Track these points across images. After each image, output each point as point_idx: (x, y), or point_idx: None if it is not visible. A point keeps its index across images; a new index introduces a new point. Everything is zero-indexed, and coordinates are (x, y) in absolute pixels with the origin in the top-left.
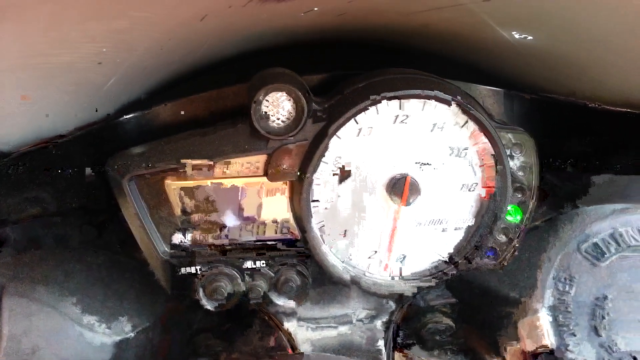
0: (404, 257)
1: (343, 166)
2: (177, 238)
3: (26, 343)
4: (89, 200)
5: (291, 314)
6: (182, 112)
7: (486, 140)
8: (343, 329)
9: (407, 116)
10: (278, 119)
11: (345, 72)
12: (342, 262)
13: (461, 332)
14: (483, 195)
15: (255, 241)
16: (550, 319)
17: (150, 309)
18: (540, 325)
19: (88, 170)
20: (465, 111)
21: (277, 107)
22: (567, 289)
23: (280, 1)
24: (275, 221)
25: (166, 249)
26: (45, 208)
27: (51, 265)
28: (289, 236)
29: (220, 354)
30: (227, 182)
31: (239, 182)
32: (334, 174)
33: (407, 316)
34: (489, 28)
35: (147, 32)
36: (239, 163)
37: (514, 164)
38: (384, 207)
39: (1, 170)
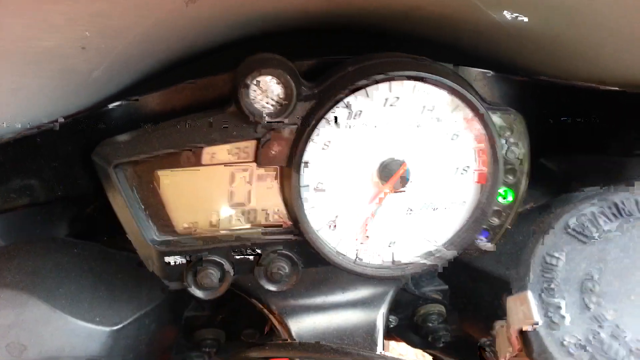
0: (395, 243)
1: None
2: (166, 226)
3: (12, 335)
4: (77, 190)
5: (283, 302)
6: (172, 100)
7: (478, 122)
8: (336, 315)
9: (398, 98)
10: (267, 103)
11: (336, 57)
12: (333, 248)
13: (455, 318)
14: (475, 178)
15: (245, 228)
16: (536, 295)
17: (142, 298)
18: (527, 302)
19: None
20: (456, 93)
21: (266, 91)
22: (553, 265)
23: None
24: (265, 207)
25: (155, 237)
26: (33, 198)
27: (40, 256)
28: (279, 222)
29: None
30: (216, 169)
31: (227, 169)
32: (324, 159)
33: (400, 303)
34: (479, 9)
35: (131, 16)
36: (227, 149)
37: (505, 145)
38: (375, 192)
39: None
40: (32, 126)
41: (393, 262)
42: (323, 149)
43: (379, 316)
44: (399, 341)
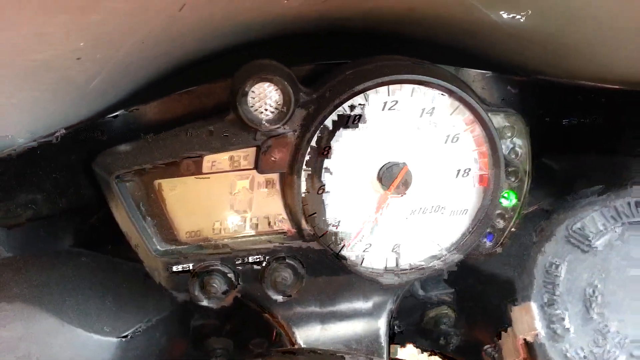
0: (399, 247)
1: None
2: (169, 235)
3: (22, 348)
4: (80, 201)
5: (289, 310)
6: (170, 109)
7: (478, 124)
8: (342, 323)
9: (396, 102)
10: (266, 109)
11: (334, 61)
12: (337, 253)
13: (463, 321)
14: (478, 180)
15: (248, 235)
16: (539, 306)
17: (149, 308)
18: (530, 313)
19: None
20: (455, 96)
21: (265, 98)
22: (556, 275)
23: None
24: (267, 214)
25: (159, 247)
26: (37, 211)
27: (46, 268)
28: (282, 229)
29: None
30: (217, 177)
31: (228, 176)
32: (324, 164)
33: (407, 309)
34: (476, 9)
35: (124, 25)
36: (227, 157)
37: (506, 147)
38: (376, 197)
39: None
40: (31, 139)
41: (397, 266)
42: (323, 154)
43: (385, 322)
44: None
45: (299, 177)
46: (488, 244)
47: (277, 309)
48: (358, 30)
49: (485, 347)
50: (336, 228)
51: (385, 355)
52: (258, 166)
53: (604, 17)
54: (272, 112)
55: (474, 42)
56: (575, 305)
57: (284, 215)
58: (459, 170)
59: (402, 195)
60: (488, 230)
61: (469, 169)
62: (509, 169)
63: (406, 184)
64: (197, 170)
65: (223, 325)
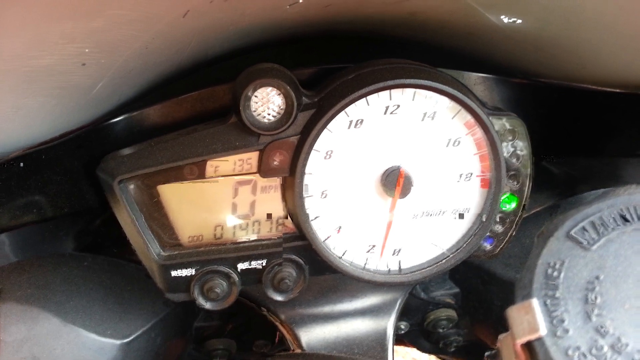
0: (401, 250)
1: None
2: (171, 239)
3: (26, 350)
4: (83, 204)
5: (292, 311)
6: (173, 113)
7: (479, 128)
8: (345, 324)
9: (398, 106)
10: (269, 114)
11: (336, 65)
12: (340, 257)
13: (466, 323)
14: (479, 184)
15: (250, 239)
16: (540, 305)
17: (151, 311)
18: (532, 311)
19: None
20: (456, 99)
21: (267, 102)
22: (555, 274)
23: None
24: (270, 218)
25: (161, 251)
26: (40, 214)
27: (49, 270)
28: (284, 233)
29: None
30: (220, 181)
31: (231, 180)
32: (326, 168)
33: (410, 309)
34: (477, 13)
35: (128, 31)
36: (230, 161)
37: (507, 150)
38: (379, 200)
39: None
40: (35, 143)
41: (400, 269)
42: (325, 158)
43: (389, 324)
44: (410, 347)
45: (301, 180)
46: (489, 247)
47: (279, 309)
48: (360, 34)
49: (487, 353)
50: (338, 232)
51: (390, 357)
52: (260, 170)
53: (603, 21)
54: (274, 116)
55: (474, 46)
56: (575, 303)
57: (287, 219)
58: (460, 174)
59: (402, 198)
60: (488, 234)
61: (471, 173)
62: (510, 172)
63: (407, 188)
64: (200, 175)
65: (225, 326)
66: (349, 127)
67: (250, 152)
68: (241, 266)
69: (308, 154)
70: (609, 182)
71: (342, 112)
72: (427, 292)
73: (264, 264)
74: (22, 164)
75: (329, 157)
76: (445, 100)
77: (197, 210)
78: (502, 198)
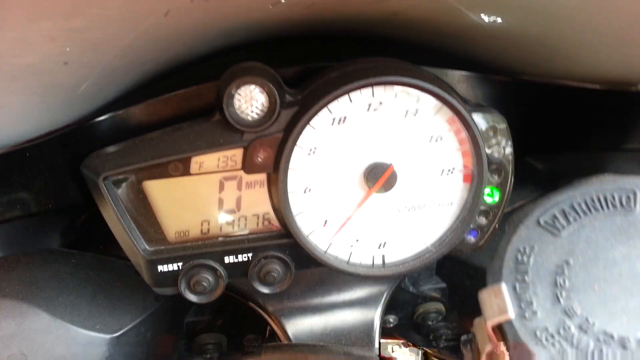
0: (386, 244)
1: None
2: (157, 236)
3: (15, 345)
4: (68, 200)
5: (279, 304)
6: (159, 111)
7: (461, 124)
8: (333, 316)
9: (381, 103)
10: (252, 110)
11: (320, 63)
12: (324, 251)
13: (454, 317)
14: (462, 179)
15: (236, 234)
16: (509, 289)
17: (141, 306)
18: (501, 295)
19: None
20: (438, 96)
21: (250, 99)
22: (526, 258)
23: None
24: (255, 214)
25: (147, 247)
26: (24, 210)
27: (38, 266)
28: (270, 228)
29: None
30: (205, 177)
31: (216, 177)
32: (310, 164)
33: (399, 302)
34: (458, 12)
35: (110, 31)
36: (215, 157)
37: (489, 145)
38: (362, 196)
39: None
40: (19, 141)
41: (384, 262)
42: (309, 154)
43: (376, 315)
44: (400, 340)
45: (285, 176)
46: (472, 240)
47: (267, 302)
48: (344, 33)
49: (462, 337)
50: (324, 226)
51: (376, 347)
52: (245, 166)
53: (584, 19)
54: (258, 114)
55: (457, 44)
56: (544, 287)
57: (272, 214)
58: (443, 169)
59: (386, 192)
60: (472, 226)
61: (453, 168)
62: (493, 167)
63: (390, 182)
64: (185, 171)
65: (216, 321)
66: (332, 124)
67: (235, 149)
68: (227, 260)
69: (291, 150)
70: (596, 174)
71: (325, 109)
72: (416, 286)
73: (249, 258)
74: (5, 161)
75: (313, 153)
76: (427, 97)
77: (183, 205)
78: (485, 192)
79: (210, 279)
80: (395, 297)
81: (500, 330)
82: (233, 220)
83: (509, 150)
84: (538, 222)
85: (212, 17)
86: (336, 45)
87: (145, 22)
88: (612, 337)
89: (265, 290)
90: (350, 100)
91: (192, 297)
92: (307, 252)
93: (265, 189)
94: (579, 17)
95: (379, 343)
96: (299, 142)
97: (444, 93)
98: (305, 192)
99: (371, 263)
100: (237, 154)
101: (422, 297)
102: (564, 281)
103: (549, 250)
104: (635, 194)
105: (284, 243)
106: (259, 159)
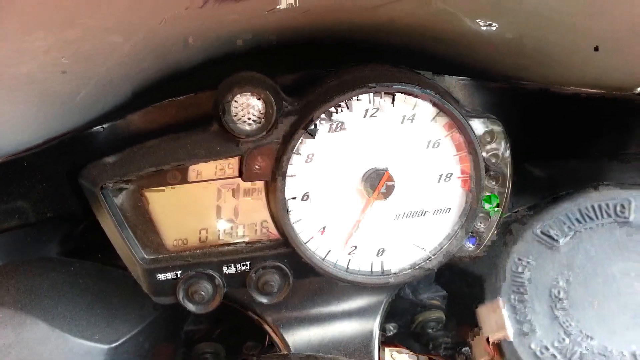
0: (384, 251)
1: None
2: (156, 244)
3: (13, 355)
4: (66, 209)
5: (278, 314)
6: (157, 119)
7: (458, 130)
8: (331, 326)
9: (378, 109)
10: (249, 119)
11: (318, 70)
12: (322, 258)
13: (453, 325)
14: (459, 185)
15: (234, 242)
16: (507, 305)
17: (139, 315)
18: (499, 310)
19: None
20: (435, 103)
21: (248, 108)
22: (523, 273)
23: (238, 1)
24: (253, 221)
25: (145, 256)
26: (23, 219)
27: (36, 275)
28: (268, 236)
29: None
30: (203, 186)
31: (214, 185)
32: (308, 171)
33: (398, 311)
34: (454, 18)
35: (105, 40)
36: (213, 166)
37: (486, 151)
38: (360, 202)
39: None
40: (17, 150)
41: (383, 270)
42: (307, 161)
43: (375, 326)
44: (400, 347)
45: (283, 184)
46: (471, 247)
47: (266, 312)
48: (342, 40)
49: (459, 347)
50: (322, 233)
51: (375, 358)
52: (243, 175)
53: (579, 25)
54: (255, 122)
55: (454, 50)
56: (542, 302)
57: (270, 222)
58: (440, 175)
59: (384, 199)
60: (470, 233)
61: (451, 174)
62: (490, 173)
63: (389, 189)
64: (182, 179)
65: (215, 330)
66: (329, 131)
67: (233, 158)
68: (225, 269)
69: (289, 158)
70: (591, 183)
71: (323, 116)
72: (415, 294)
73: (248, 267)
74: (3, 170)
75: (310, 161)
76: (424, 103)
77: (182, 214)
78: (483, 198)
79: (209, 287)
80: (395, 305)
81: (498, 347)
82: (231, 228)
83: (506, 154)
84: (536, 236)
85: (209, 25)
86: (334, 52)
87: (143, 31)
88: (611, 353)
89: (263, 300)
90: (348, 107)
91: (190, 307)
92: (305, 260)
93: (263, 197)
94: (574, 23)
95: (378, 353)
96: (296, 149)
97: (441, 99)
98: (303, 199)
99: (370, 270)
100: (234, 162)
101: (422, 305)
102: (563, 297)
103: (547, 265)
104: (629, 202)
105: (282, 252)
106: (257, 167)
